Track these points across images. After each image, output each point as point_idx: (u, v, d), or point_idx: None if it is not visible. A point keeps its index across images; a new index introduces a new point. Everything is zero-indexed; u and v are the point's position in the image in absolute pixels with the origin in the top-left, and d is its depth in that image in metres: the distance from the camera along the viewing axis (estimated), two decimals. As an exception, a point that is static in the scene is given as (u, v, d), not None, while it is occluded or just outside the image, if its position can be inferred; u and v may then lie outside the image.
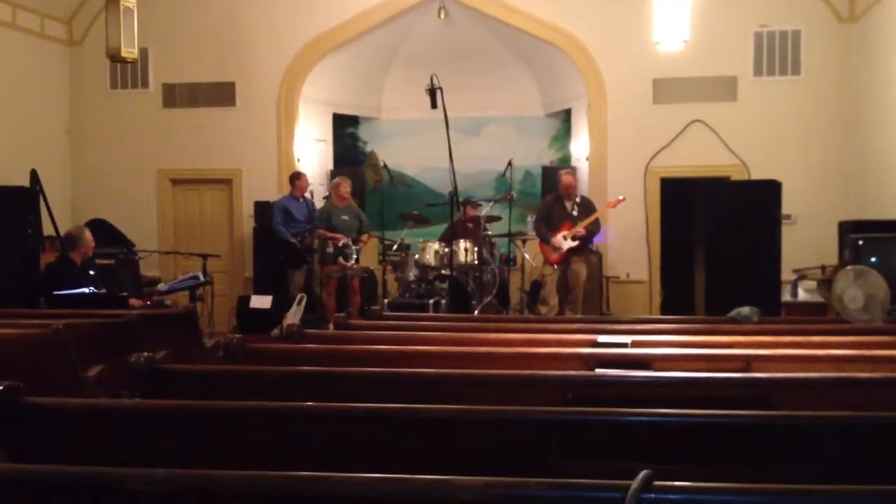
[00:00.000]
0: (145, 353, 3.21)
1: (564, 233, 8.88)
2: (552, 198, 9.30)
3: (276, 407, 2.53)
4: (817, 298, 8.40)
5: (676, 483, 1.59)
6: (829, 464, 2.28)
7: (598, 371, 3.49)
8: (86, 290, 7.00)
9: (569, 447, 2.39)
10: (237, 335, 3.97)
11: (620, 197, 9.02)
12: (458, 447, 2.43)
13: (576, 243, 8.88)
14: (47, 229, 9.34)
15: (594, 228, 9.12)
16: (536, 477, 1.71)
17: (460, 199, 9.33)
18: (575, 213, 8.92)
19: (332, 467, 1.80)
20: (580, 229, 8.90)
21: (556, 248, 8.91)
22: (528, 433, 2.42)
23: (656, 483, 1.57)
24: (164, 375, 3.20)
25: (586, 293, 9.99)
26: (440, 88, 8.49)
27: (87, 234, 7.47)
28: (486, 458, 2.42)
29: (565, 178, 9.20)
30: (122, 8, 8.37)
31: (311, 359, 3.85)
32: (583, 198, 9.18)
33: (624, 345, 4.20)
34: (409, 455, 2.39)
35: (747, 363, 3.74)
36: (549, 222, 9.04)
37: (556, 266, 8.96)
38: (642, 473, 1.56)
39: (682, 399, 2.92)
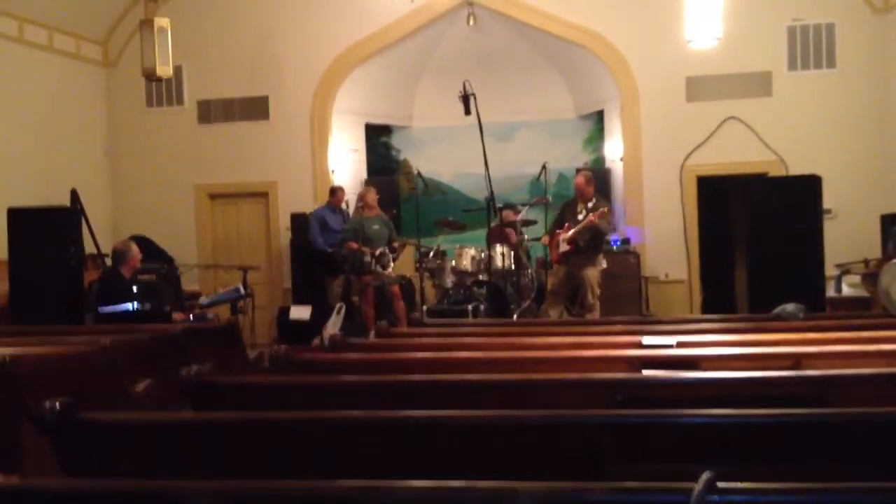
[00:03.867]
0: (195, 367, 3.24)
1: (563, 236, 8.77)
2: (572, 199, 9.25)
3: (328, 417, 2.55)
4: (862, 293, 8.29)
5: (740, 484, 1.57)
6: (890, 460, 2.25)
7: (647, 372, 3.46)
8: (130, 305, 7.08)
9: (621, 450, 2.38)
10: (283, 346, 4.00)
11: (605, 209, 8.78)
12: (509, 453, 2.43)
13: (568, 247, 8.68)
14: (88, 247, 9.48)
15: (600, 229, 8.74)
16: (590, 480, 1.70)
17: (498, 205, 9.31)
18: (581, 216, 8.71)
19: (386, 474, 1.80)
20: (572, 235, 8.63)
21: (554, 249, 8.83)
22: (580, 437, 2.40)
23: (719, 485, 1.55)
24: (214, 388, 3.23)
25: (624, 294, 9.90)
26: (473, 94, 8.50)
27: (134, 248, 7.57)
28: (539, 463, 2.41)
29: (576, 179, 9.08)
30: (156, 27, 8.50)
31: (355, 368, 3.87)
32: (596, 201, 8.86)
33: (669, 346, 4.17)
34: (462, 461, 2.39)
35: (797, 361, 3.69)
36: (559, 223, 8.98)
37: (556, 265, 8.89)
38: (705, 475, 1.54)
39: (733, 398, 2.89)
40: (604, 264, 8.98)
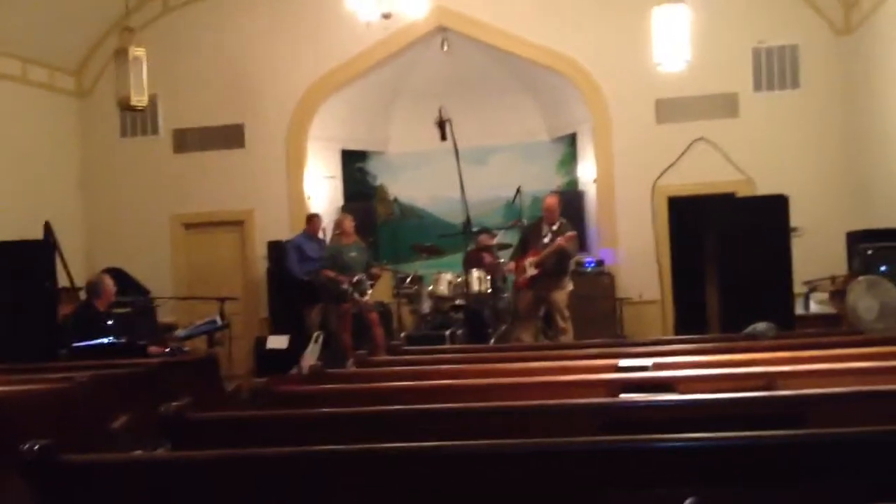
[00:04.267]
0: (175, 403, 3.23)
1: (529, 259, 8.80)
2: (535, 221, 9.29)
3: (312, 451, 2.56)
4: (830, 310, 8.40)
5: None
6: (870, 480, 2.30)
7: (626, 396, 3.51)
8: (105, 340, 7.04)
9: (604, 477, 2.41)
10: (263, 379, 4.00)
11: (572, 233, 8.80)
12: (494, 482, 2.45)
13: (536, 271, 8.69)
14: (62, 280, 9.42)
15: (567, 251, 8.75)
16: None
17: (474, 229, 9.36)
18: (547, 239, 8.72)
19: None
20: (538, 260, 8.65)
21: (521, 273, 8.86)
22: (564, 465, 2.43)
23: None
24: (194, 424, 3.22)
25: (599, 315, 9.95)
26: (449, 120, 8.57)
27: (108, 281, 7.55)
28: (524, 492, 2.44)
29: (545, 201, 9.10)
30: (130, 57, 8.45)
31: (336, 399, 3.87)
32: (562, 224, 8.87)
33: (646, 368, 4.22)
34: (448, 492, 2.41)
35: (771, 380, 3.75)
36: (524, 245, 9.02)
37: (523, 289, 8.90)
38: (689, 501, 1.58)
39: (712, 420, 2.94)
40: (570, 286, 8.98)
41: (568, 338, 8.51)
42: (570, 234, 8.64)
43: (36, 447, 2.45)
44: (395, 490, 2.43)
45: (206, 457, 2.66)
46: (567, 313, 8.71)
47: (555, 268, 8.70)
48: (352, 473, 2.48)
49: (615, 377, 4.03)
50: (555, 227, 8.77)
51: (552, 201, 9.00)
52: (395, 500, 2.40)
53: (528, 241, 8.99)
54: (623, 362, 4.35)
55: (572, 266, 9.21)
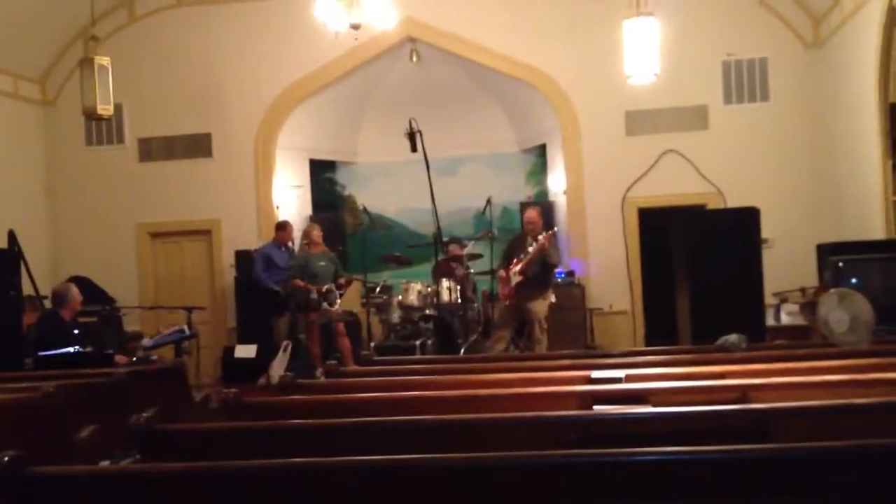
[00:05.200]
0: (144, 414, 3.18)
1: (514, 269, 8.77)
2: (518, 234, 9.29)
3: (284, 465, 2.52)
4: (800, 321, 8.46)
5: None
6: (839, 495, 2.30)
7: (598, 409, 3.50)
8: (71, 349, 6.94)
9: (578, 489, 2.40)
10: (233, 389, 3.95)
11: (551, 231, 8.80)
12: (464, 494, 2.43)
13: (520, 278, 8.65)
14: (27, 289, 9.27)
15: (550, 257, 8.73)
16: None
17: (443, 239, 9.34)
18: (530, 250, 8.70)
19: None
20: (522, 266, 8.62)
21: (506, 284, 8.85)
22: (536, 477, 2.42)
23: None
24: (165, 436, 3.18)
25: (569, 325, 9.95)
26: (419, 132, 8.55)
27: (74, 290, 7.45)
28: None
29: (526, 213, 9.11)
30: (96, 66, 8.36)
31: (307, 411, 3.82)
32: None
33: (618, 380, 4.21)
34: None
35: (743, 393, 3.76)
36: (507, 258, 9.02)
37: (507, 301, 8.88)
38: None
39: (683, 433, 2.94)
40: (552, 298, 8.99)
41: (542, 349, 8.50)
42: (550, 232, 8.62)
43: (5, 459, 2.40)
44: (367, 503, 2.40)
45: (176, 469, 2.62)
46: (545, 325, 8.73)
47: (536, 276, 8.70)
48: (324, 486, 2.45)
49: (588, 389, 4.01)
50: (539, 238, 8.78)
51: (533, 214, 8.98)
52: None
53: (511, 253, 8.98)
54: (595, 374, 4.34)
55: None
